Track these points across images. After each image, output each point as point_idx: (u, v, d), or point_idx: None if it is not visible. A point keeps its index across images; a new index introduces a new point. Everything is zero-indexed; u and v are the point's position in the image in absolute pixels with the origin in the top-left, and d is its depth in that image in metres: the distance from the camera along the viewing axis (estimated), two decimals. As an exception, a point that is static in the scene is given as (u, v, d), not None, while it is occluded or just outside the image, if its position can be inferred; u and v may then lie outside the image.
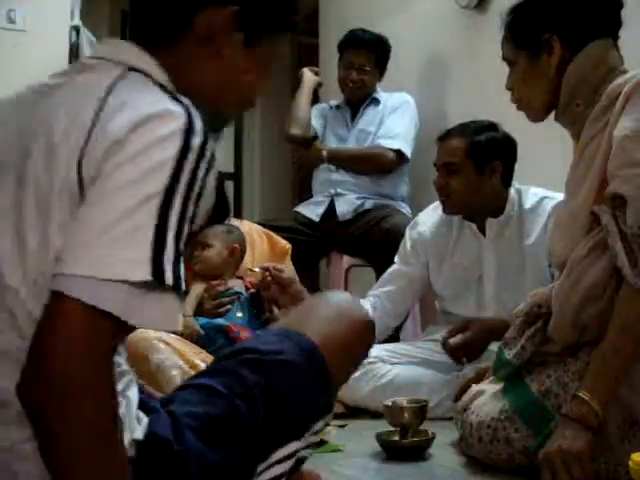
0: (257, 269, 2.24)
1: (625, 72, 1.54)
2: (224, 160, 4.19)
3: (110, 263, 0.79)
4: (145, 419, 0.96)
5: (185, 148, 0.83)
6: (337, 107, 3.36)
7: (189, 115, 0.86)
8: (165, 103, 0.86)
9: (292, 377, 1.07)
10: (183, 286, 0.85)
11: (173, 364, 1.92)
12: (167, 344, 1.96)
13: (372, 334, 1.25)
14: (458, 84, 3.19)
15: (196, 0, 0.99)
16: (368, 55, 3.16)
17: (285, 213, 3.25)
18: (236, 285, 2.23)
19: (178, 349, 1.97)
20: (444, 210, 2.35)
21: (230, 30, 1.00)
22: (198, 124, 0.86)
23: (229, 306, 2.17)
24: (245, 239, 2.31)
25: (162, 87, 0.91)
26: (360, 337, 1.22)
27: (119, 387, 0.90)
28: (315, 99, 4.11)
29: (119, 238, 0.80)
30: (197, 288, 2.20)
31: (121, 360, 0.95)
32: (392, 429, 1.86)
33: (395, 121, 3.13)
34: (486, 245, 2.31)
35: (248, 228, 2.43)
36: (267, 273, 2.15)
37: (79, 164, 0.84)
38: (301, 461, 1.12)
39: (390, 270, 2.48)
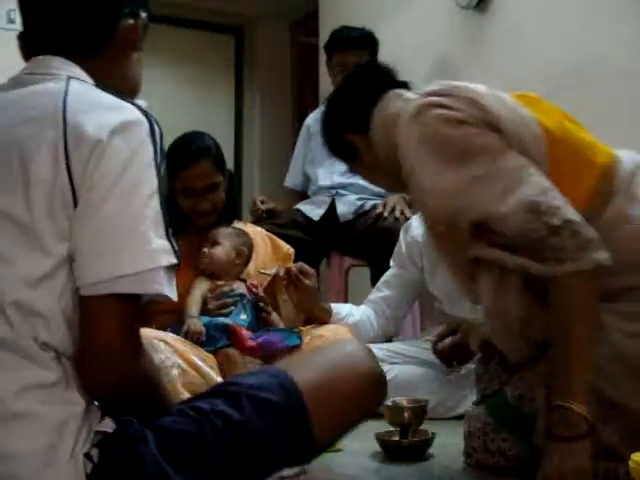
0: (269, 271, 2.26)
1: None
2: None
3: (150, 257, 0.95)
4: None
5: (155, 146, 1.01)
6: None
7: (148, 118, 1.01)
8: (126, 107, 1.01)
9: (265, 413, 1.06)
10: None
11: (173, 364, 1.92)
12: (167, 344, 1.95)
13: (381, 388, 1.22)
14: (458, 84, 3.19)
15: (118, 11, 1.15)
16: (359, 54, 3.09)
17: (285, 213, 3.24)
18: (239, 287, 2.23)
19: (178, 349, 1.97)
20: None
21: (141, 33, 1.19)
22: (154, 122, 1.01)
23: (232, 307, 2.17)
24: (253, 246, 2.32)
25: (103, 89, 1.04)
26: (364, 390, 1.18)
27: None
28: (315, 102, 4.12)
29: (146, 234, 0.96)
30: (202, 287, 2.20)
31: None
32: (392, 429, 1.86)
33: None
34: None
35: (252, 231, 2.43)
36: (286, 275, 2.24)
37: (68, 168, 0.94)
38: None
39: (387, 275, 2.48)
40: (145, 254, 0.95)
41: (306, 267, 2.29)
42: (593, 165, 1.44)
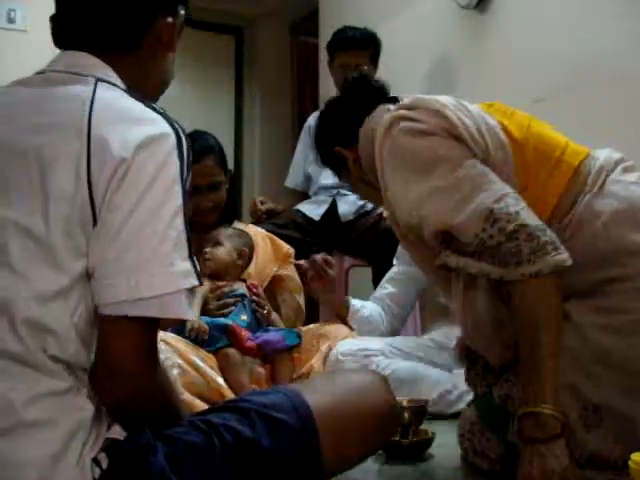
0: (303, 262, 2.35)
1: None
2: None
3: (172, 281, 0.93)
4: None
5: (181, 161, 0.97)
6: None
7: (176, 130, 0.98)
8: (154, 119, 0.97)
9: (276, 433, 1.05)
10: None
11: (173, 364, 1.92)
12: (167, 344, 1.95)
13: (394, 421, 1.22)
14: (458, 84, 3.19)
15: (157, 7, 1.11)
16: (362, 54, 3.09)
17: (285, 213, 3.24)
18: (240, 288, 2.23)
19: (178, 349, 1.97)
20: None
21: (178, 32, 1.15)
22: (182, 134, 0.99)
23: (233, 307, 2.17)
24: (254, 247, 2.32)
25: (132, 96, 1.01)
26: (377, 421, 1.16)
27: None
28: (315, 102, 4.12)
29: (169, 256, 0.93)
30: (203, 288, 2.19)
31: None
32: (392, 429, 1.85)
33: None
34: None
35: (252, 232, 2.43)
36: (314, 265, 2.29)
37: (89, 184, 0.92)
38: None
39: (391, 272, 2.48)
40: (166, 277, 0.93)
41: (329, 257, 2.35)
42: (563, 164, 1.47)
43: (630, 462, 1.15)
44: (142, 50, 1.10)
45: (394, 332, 2.44)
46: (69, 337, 0.93)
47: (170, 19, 1.12)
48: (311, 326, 2.39)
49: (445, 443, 1.81)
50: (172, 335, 2.03)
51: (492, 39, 2.98)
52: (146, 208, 0.93)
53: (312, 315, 2.70)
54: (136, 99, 1.01)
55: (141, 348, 0.95)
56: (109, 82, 1.02)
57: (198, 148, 2.26)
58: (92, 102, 0.96)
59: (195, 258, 0.98)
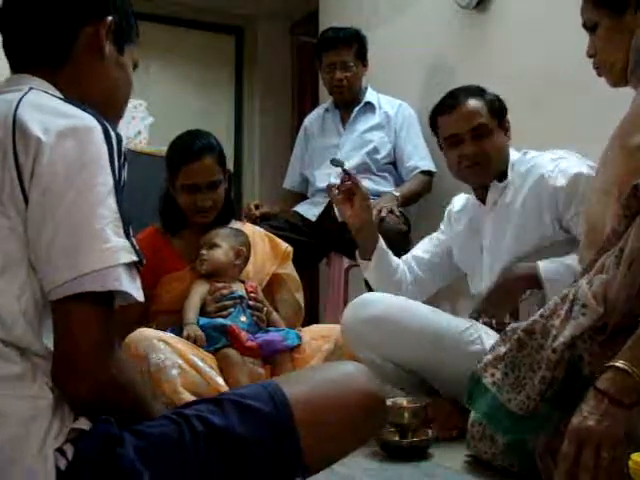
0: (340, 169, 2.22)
1: None
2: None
3: (108, 255, 0.95)
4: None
5: (111, 150, 1.00)
6: (326, 110, 3.35)
7: (102, 124, 1.01)
8: (79, 115, 1.01)
9: (249, 420, 1.04)
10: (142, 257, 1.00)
11: (173, 364, 1.92)
12: (167, 344, 1.95)
13: (380, 412, 1.17)
14: (458, 84, 3.18)
15: (81, 15, 1.15)
16: (346, 51, 3.14)
17: (285, 213, 3.24)
18: (238, 289, 2.23)
19: (178, 349, 1.97)
20: (476, 179, 2.21)
21: (108, 39, 1.17)
22: (109, 126, 1.02)
23: (232, 309, 2.17)
24: (250, 245, 2.32)
25: (68, 102, 1.05)
26: (358, 410, 1.13)
27: None
28: (315, 102, 4.12)
29: (104, 232, 0.96)
30: (200, 289, 2.19)
31: None
32: (392, 429, 1.86)
33: (415, 142, 3.13)
34: (485, 213, 2.22)
35: (250, 230, 2.43)
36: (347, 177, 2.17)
37: (17, 164, 0.96)
38: None
39: (426, 237, 2.44)
40: (103, 252, 0.95)
41: (358, 181, 2.21)
42: None
43: (630, 462, 1.14)
44: (76, 63, 1.15)
45: (413, 298, 2.26)
46: (14, 320, 0.95)
47: (92, 28, 1.16)
48: (311, 326, 2.39)
49: (445, 443, 1.82)
50: (172, 335, 2.03)
51: (492, 39, 2.98)
52: (76, 191, 0.96)
53: (312, 315, 2.70)
54: (67, 102, 1.05)
55: (94, 334, 0.95)
56: (41, 90, 1.07)
57: (199, 146, 2.26)
58: (19, 101, 1.01)
59: (133, 237, 1.00)
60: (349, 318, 2.10)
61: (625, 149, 1.41)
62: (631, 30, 1.51)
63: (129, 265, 0.97)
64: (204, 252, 2.22)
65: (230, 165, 3.90)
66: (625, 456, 1.14)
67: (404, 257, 2.39)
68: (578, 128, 2.45)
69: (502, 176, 2.18)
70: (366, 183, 3.07)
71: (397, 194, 2.97)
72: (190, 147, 2.26)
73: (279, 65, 5.23)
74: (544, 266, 1.95)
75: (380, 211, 2.79)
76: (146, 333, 1.96)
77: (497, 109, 2.17)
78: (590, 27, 1.61)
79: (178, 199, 2.29)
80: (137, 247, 0.99)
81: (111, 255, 0.95)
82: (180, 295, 2.18)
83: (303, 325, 2.42)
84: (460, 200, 2.38)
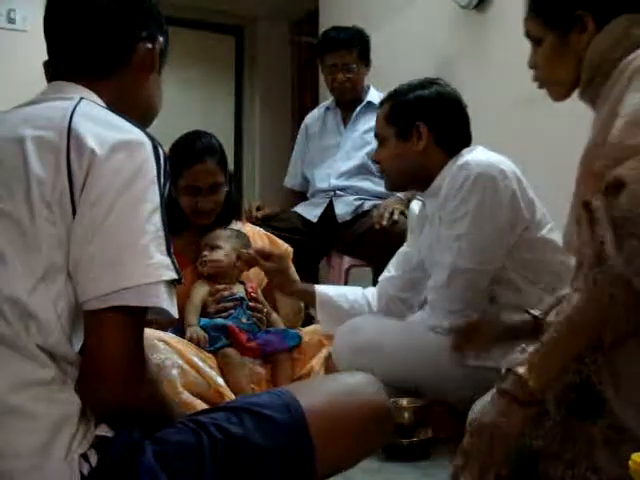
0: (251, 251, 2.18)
1: None
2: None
3: (152, 271, 0.96)
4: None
5: (159, 166, 1.01)
6: (327, 109, 3.34)
7: (152, 140, 1.03)
8: (130, 129, 1.03)
9: (266, 429, 1.05)
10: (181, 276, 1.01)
11: (173, 364, 1.93)
12: (167, 344, 1.96)
13: (387, 420, 1.20)
14: (458, 84, 3.18)
15: (139, 30, 1.19)
16: (349, 53, 3.12)
17: (285, 213, 3.24)
18: (239, 291, 2.23)
19: (178, 349, 1.97)
20: (386, 187, 2.16)
21: (158, 58, 1.23)
22: (159, 146, 1.03)
23: (232, 311, 2.17)
24: (251, 246, 2.32)
25: (114, 112, 1.07)
26: (369, 420, 1.16)
27: None
28: (315, 102, 4.12)
29: (148, 249, 0.97)
30: (201, 291, 2.19)
31: None
32: (392, 429, 1.85)
33: None
34: (421, 222, 2.13)
35: (250, 231, 2.43)
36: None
37: (69, 173, 0.96)
38: None
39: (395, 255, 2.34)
40: (145, 268, 0.96)
41: (266, 250, 2.18)
42: None
43: (630, 462, 1.14)
44: (125, 76, 1.17)
45: (394, 316, 2.16)
46: (51, 326, 0.95)
47: (149, 45, 1.20)
48: (311, 327, 2.39)
49: (445, 443, 1.82)
50: (172, 335, 2.03)
51: (492, 39, 2.99)
52: (125, 205, 0.96)
53: (312, 315, 2.70)
54: (116, 114, 1.06)
55: (126, 346, 0.96)
56: (90, 100, 1.09)
57: (201, 148, 2.26)
58: (74, 110, 1.02)
59: (174, 256, 1.00)
60: (339, 347, 2.04)
61: (593, 176, 1.39)
62: (575, 51, 1.49)
63: (169, 282, 0.98)
64: (206, 253, 2.22)
65: (230, 165, 3.91)
66: (623, 456, 1.12)
67: (380, 279, 2.27)
68: (578, 127, 2.45)
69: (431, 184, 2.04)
70: (366, 184, 3.10)
71: (402, 196, 2.96)
72: (192, 149, 2.26)
73: (279, 65, 5.24)
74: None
75: (392, 213, 2.79)
76: (146, 333, 1.96)
77: (401, 116, 2.02)
78: (533, 39, 1.61)
79: (180, 201, 2.29)
80: (177, 265, 1.00)
81: (154, 271, 0.96)
82: (180, 295, 2.18)
83: (303, 325, 2.42)
84: (415, 206, 2.33)
